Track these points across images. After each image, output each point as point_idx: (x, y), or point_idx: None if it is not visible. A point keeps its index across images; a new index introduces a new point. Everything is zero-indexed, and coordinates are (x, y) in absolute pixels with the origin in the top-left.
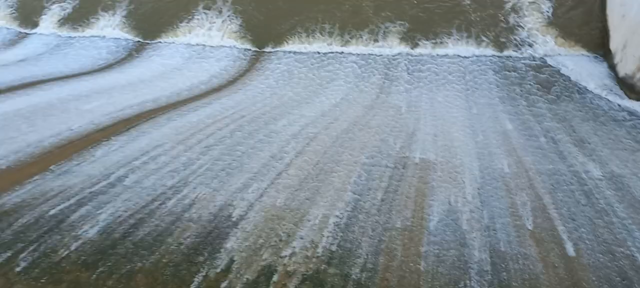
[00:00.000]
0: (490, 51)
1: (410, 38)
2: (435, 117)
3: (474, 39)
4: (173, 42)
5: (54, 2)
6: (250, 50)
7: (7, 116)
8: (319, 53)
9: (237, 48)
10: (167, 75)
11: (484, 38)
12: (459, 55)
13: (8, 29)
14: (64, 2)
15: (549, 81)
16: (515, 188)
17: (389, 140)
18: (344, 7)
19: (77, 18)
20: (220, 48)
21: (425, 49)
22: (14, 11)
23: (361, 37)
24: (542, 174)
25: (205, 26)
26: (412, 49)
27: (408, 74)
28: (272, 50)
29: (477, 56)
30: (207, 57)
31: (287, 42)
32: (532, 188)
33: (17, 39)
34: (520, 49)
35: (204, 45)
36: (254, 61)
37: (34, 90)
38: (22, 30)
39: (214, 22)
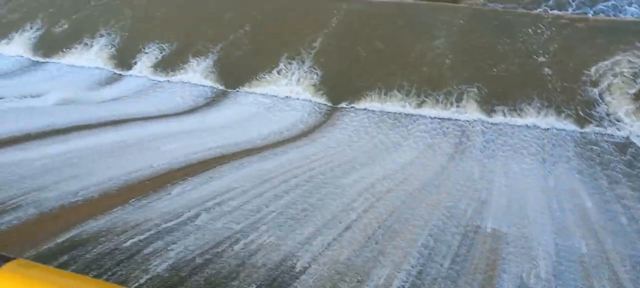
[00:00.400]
0: (571, 125)
1: (487, 104)
2: (509, 187)
3: (554, 110)
4: (253, 92)
5: (148, 47)
6: (326, 105)
7: (95, 150)
8: (393, 113)
9: (314, 102)
10: (244, 123)
11: (564, 110)
12: (537, 127)
13: (105, 69)
14: (160, 45)
15: (633, 161)
16: (594, 271)
17: (460, 206)
18: (422, 68)
19: (168, 64)
20: (297, 100)
21: (502, 117)
22: (113, 53)
23: (437, 100)
24: (624, 259)
25: (286, 78)
26: (488, 115)
27: (483, 140)
28: (347, 106)
29: (557, 129)
30: (284, 109)
31: (362, 99)
32: (612, 273)
33: (112, 79)
34: (603, 126)
35: (282, 96)
36: (329, 115)
37: (121, 128)
38: (117, 72)
39: (294, 75)
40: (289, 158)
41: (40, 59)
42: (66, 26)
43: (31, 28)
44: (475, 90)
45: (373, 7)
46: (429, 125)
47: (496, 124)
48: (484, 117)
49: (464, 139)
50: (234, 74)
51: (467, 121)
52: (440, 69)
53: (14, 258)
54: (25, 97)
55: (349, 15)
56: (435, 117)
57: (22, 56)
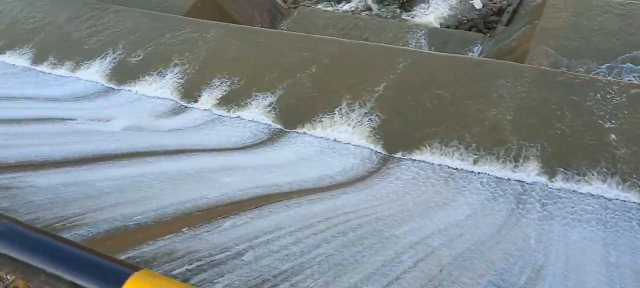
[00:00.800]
0: (637, 197)
1: (548, 167)
2: (567, 257)
3: (619, 179)
4: (310, 134)
5: (215, 81)
6: (381, 153)
7: (155, 176)
8: (449, 167)
9: (369, 149)
10: (298, 164)
11: (630, 180)
12: (601, 196)
13: (172, 100)
14: (226, 81)
15: None
16: None
17: (513, 270)
18: (484, 123)
19: (232, 99)
20: (352, 146)
21: (563, 182)
22: (181, 85)
23: (496, 158)
24: None
25: (344, 123)
26: (549, 179)
27: (541, 204)
28: (402, 156)
29: (621, 200)
30: (338, 153)
31: (419, 150)
32: None
33: (177, 111)
34: None
35: (338, 140)
36: (383, 164)
37: (181, 157)
38: (183, 104)
39: (353, 120)
40: (339, 203)
41: (114, 86)
42: (141, 57)
43: (109, 56)
44: (536, 151)
45: (439, 60)
46: (485, 183)
47: (556, 189)
48: (543, 180)
49: (521, 201)
50: (294, 115)
51: (526, 182)
52: (502, 125)
53: (142, 268)
54: (95, 121)
55: (414, 65)
56: (492, 175)
57: (97, 82)
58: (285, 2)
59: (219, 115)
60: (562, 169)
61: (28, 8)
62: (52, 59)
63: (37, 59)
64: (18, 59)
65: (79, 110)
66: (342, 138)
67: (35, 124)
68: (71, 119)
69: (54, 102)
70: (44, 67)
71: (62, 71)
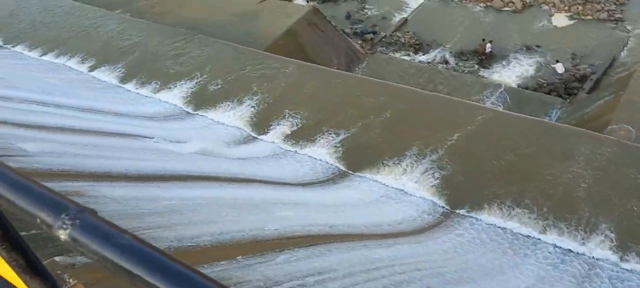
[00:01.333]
0: None
1: (620, 244)
2: None
3: None
4: (373, 179)
5: (287, 116)
6: (443, 207)
7: (218, 201)
8: (513, 232)
9: (431, 201)
10: (357, 207)
11: None
12: None
13: (243, 130)
14: (297, 116)
15: None
16: None
17: None
18: (557, 188)
19: (300, 135)
20: (414, 196)
21: (636, 263)
22: (253, 116)
23: (566, 226)
24: None
25: (409, 172)
26: (619, 257)
27: (609, 286)
28: (466, 213)
29: None
30: (399, 201)
31: (484, 210)
32: None
33: (247, 141)
34: None
35: (400, 188)
36: (444, 219)
37: (245, 187)
38: (252, 135)
39: (418, 170)
40: (395, 253)
41: (191, 110)
42: (220, 85)
43: (190, 82)
44: (610, 224)
45: (516, 120)
46: (551, 254)
47: (627, 270)
48: (613, 258)
49: (586, 278)
50: (360, 157)
51: (594, 258)
52: (575, 193)
53: None
54: (170, 141)
55: (490, 122)
56: (559, 246)
57: (176, 105)
58: (363, 48)
59: (286, 150)
60: (636, 248)
61: (125, 25)
62: (141, 77)
63: (125, 78)
64: (107, 76)
65: (156, 130)
66: (405, 187)
67: (115, 138)
68: (148, 137)
69: (134, 119)
70: (130, 86)
71: (145, 91)
